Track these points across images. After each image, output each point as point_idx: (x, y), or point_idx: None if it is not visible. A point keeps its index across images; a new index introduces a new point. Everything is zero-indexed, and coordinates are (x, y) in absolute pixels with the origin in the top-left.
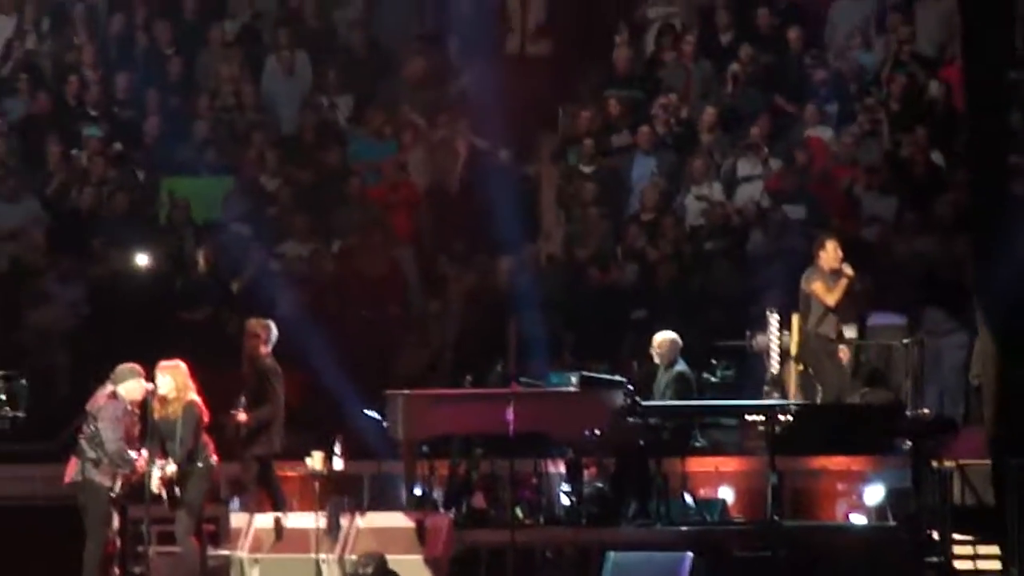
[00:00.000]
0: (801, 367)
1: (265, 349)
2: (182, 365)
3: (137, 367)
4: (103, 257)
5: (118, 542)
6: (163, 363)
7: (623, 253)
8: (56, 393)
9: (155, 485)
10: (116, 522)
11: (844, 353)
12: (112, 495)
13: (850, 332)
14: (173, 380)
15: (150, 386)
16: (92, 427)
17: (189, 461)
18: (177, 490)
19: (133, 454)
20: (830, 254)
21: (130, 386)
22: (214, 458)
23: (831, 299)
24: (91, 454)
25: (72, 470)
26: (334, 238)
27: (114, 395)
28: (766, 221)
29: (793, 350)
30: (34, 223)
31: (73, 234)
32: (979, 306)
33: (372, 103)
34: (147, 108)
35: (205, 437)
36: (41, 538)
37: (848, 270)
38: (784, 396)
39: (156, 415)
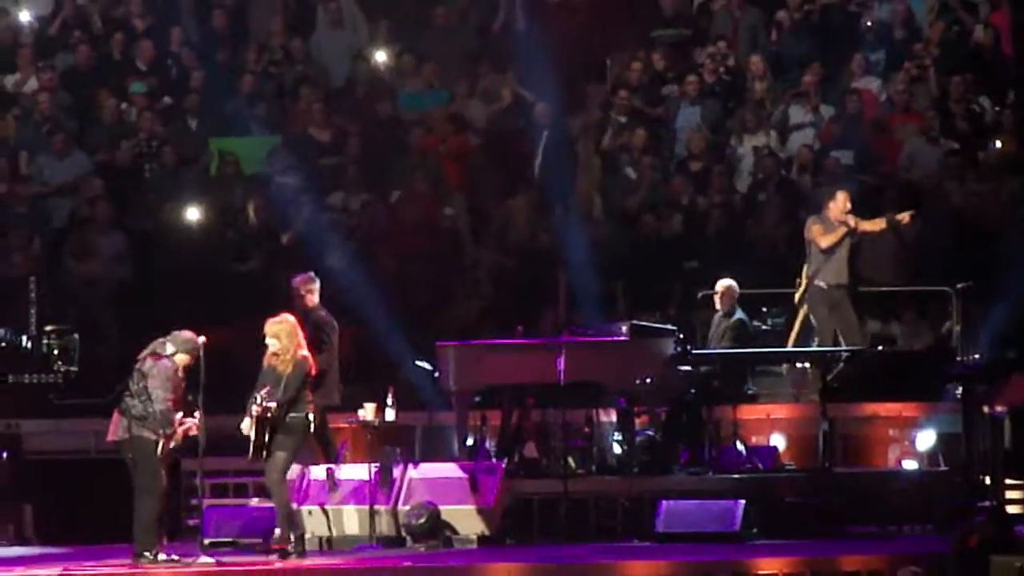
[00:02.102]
0: (805, 312)
1: (313, 300)
2: (290, 319)
3: (198, 340)
4: (153, 211)
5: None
6: (272, 321)
7: (672, 203)
8: (106, 347)
9: (246, 424)
10: (163, 479)
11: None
12: (160, 454)
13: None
14: (281, 340)
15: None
16: (140, 384)
17: (287, 412)
18: (268, 436)
19: (177, 416)
20: (839, 205)
21: (188, 353)
22: (312, 415)
23: (824, 241)
24: (137, 410)
25: (116, 427)
26: (385, 189)
27: (169, 357)
28: (818, 168)
29: (796, 296)
30: (86, 178)
31: (124, 188)
32: None
33: (421, 54)
34: (195, 63)
35: (308, 393)
36: (94, 491)
37: (852, 221)
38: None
39: (266, 364)
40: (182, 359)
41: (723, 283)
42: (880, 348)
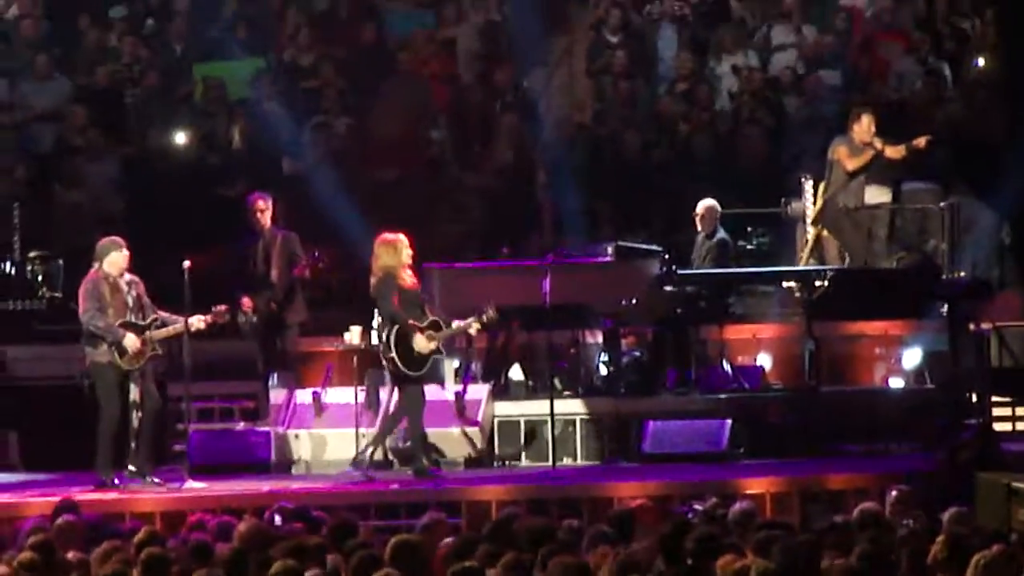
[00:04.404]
0: (819, 232)
1: (264, 220)
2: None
3: (117, 239)
4: (138, 135)
5: (135, 417)
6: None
7: (658, 123)
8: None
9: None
10: (135, 393)
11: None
12: (124, 367)
13: (884, 196)
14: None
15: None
16: None
17: None
18: None
19: (114, 323)
20: (864, 127)
21: (112, 259)
22: None
23: (852, 164)
24: (87, 333)
25: None
26: (370, 112)
27: (96, 270)
28: (802, 88)
29: (811, 214)
30: (68, 102)
31: (107, 113)
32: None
33: None
34: None
35: None
36: (79, 417)
37: (879, 144)
38: (821, 262)
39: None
40: (112, 262)
41: (703, 204)
42: (865, 266)
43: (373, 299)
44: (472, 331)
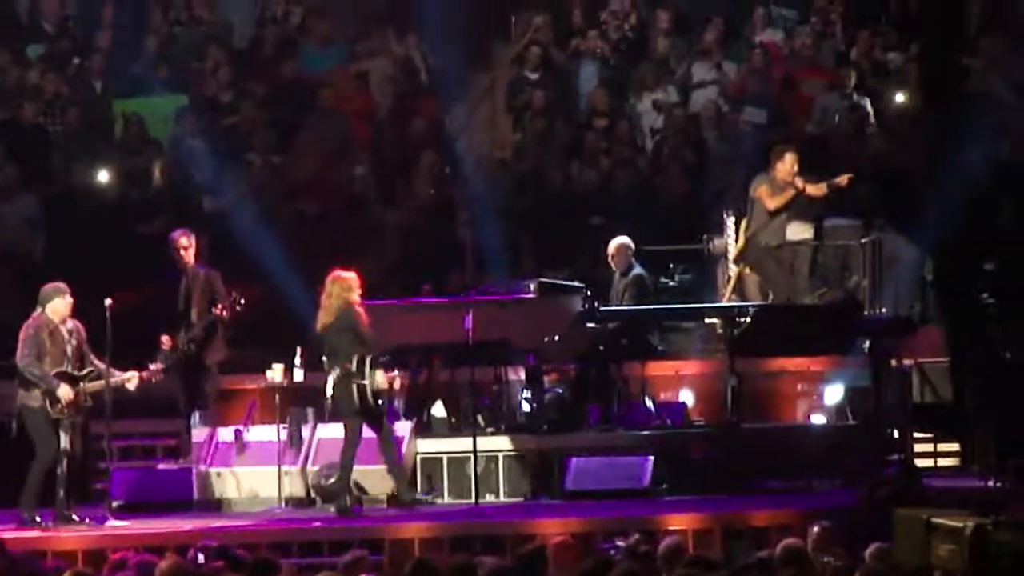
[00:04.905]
0: (741, 270)
1: (188, 258)
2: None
3: (61, 285)
4: (59, 174)
5: (64, 463)
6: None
7: (579, 159)
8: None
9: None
10: (65, 441)
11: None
12: (53, 415)
13: (807, 233)
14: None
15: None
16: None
17: None
18: None
19: (50, 371)
20: (787, 166)
21: (55, 305)
22: None
23: (773, 203)
24: (20, 377)
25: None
26: (292, 149)
27: (39, 315)
28: (724, 125)
29: (732, 253)
30: None
31: (29, 150)
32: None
33: (320, 12)
34: (100, 22)
35: None
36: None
37: (800, 183)
38: (743, 299)
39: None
40: (55, 308)
41: (614, 243)
42: (788, 303)
43: (324, 333)
44: (395, 386)
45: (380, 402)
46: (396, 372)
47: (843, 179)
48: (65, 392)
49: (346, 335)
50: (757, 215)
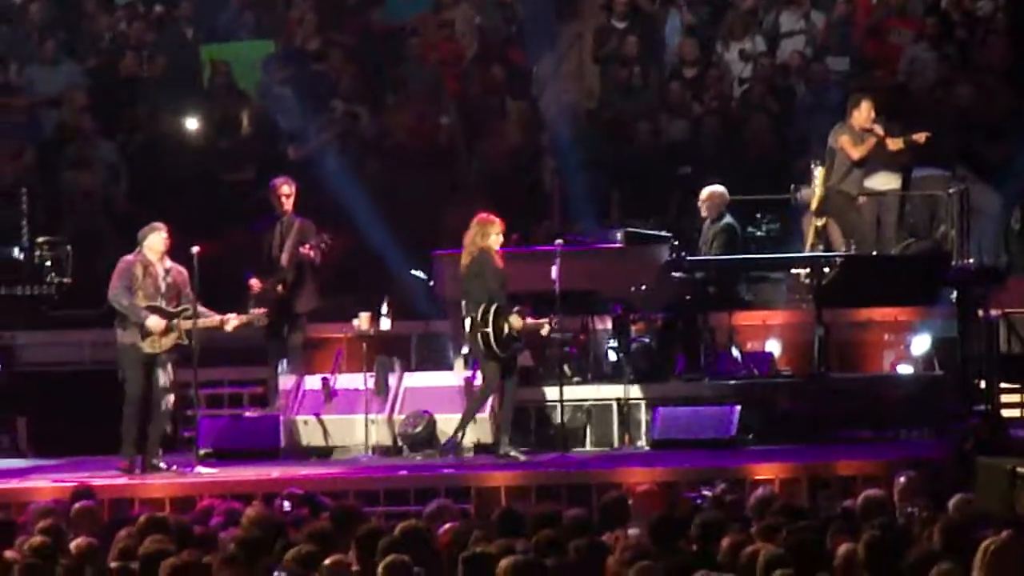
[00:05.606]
0: (822, 221)
1: (288, 205)
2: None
3: (157, 223)
4: (146, 121)
5: (165, 401)
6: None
7: (667, 108)
8: (101, 258)
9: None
10: (163, 379)
11: (866, 204)
12: (146, 350)
13: (894, 183)
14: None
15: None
16: None
17: None
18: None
19: (142, 306)
20: (863, 114)
21: (150, 242)
22: None
23: (856, 153)
24: (116, 314)
25: None
26: (380, 97)
27: (137, 253)
28: (810, 74)
29: (814, 204)
30: (75, 87)
31: (115, 98)
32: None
33: None
34: None
35: None
36: (88, 403)
37: (879, 130)
38: (828, 250)
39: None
40: (151, 244)
41: (707, 190)
42: (875, 253)
43: (462, 277)
44: (543, 331)
45: (514, 346)
46: (548, 319)
47: (921, 136)
48: (154, 322)
49: (478, 280)
50: (838, 165)
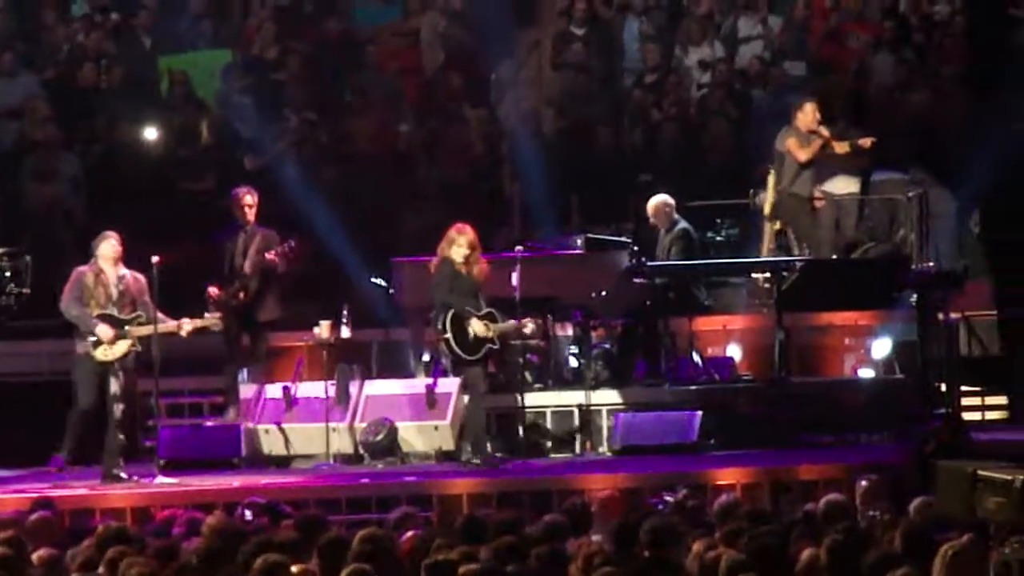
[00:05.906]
0: (776, 226)
1: (250, 215)
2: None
3: (108, 232)
4: (105, 131)
5: (117, 409)
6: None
7: (627, 114)
8: (61, 269)
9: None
10: (114, 387)
11: (824, 208)
12: (99, 358)
13: (853, 187)
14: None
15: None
16: None
17: None
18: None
19: (90, 315)
20: (808, 115)
21: (101, 250)
22: None
23: (803, 155)
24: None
25: None
26: (339, 106)
27: (91, 263)
28: (769, 79)
29: (766, 209)
30: (36, 99)
31: (74, 109)
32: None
33: None
34: None
35: None
36: (46, 413)
37: (824, 132)
38: (787, 254)
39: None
40: (102, 253)
41: (652, 202)
42: (834, 257)
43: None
44: (527, 331)
45: (486, 348)
46: (532, 318)
47: (866, 141)
48: (103, 331)
49: (437, 289)
50: (787, 168)
